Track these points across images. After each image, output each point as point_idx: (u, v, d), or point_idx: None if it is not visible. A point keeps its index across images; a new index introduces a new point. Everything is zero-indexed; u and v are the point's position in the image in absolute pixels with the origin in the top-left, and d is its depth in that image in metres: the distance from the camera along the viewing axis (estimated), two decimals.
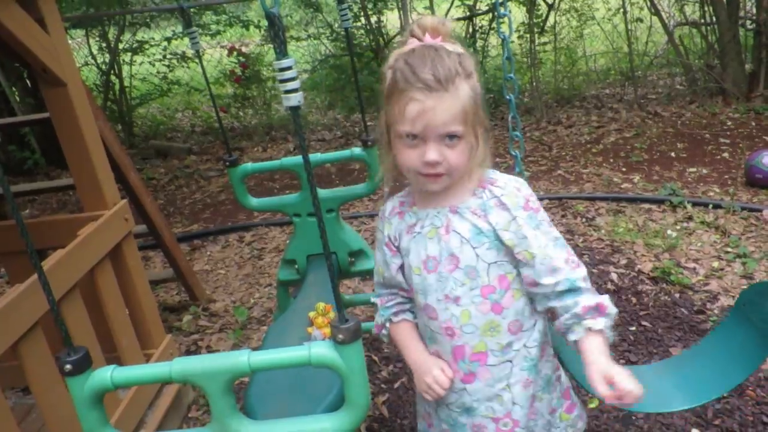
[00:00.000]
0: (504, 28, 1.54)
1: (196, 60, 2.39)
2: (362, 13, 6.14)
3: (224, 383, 1.04)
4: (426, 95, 1.15)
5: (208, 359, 1.05)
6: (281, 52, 0.88)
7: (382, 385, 2.59)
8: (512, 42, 6.23)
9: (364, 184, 2.46)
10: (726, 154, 4.79)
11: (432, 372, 1.30)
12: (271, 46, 6.98)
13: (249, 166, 2.38)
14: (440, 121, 1.16)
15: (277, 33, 0.84)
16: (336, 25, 6.41)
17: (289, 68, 0.90)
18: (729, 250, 3.29)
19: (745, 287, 2.92)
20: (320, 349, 1.03)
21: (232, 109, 7.13)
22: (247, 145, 6.74)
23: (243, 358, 1.03)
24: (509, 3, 6.36)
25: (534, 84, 6.44)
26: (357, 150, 2.40)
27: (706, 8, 6.34)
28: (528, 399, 1.32)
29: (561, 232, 3.73)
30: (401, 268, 1.35)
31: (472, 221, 1.25)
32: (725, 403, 2.24)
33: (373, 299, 1.46)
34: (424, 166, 1.19)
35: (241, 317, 3.21)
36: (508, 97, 1.45)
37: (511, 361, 1.30)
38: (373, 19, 6.15)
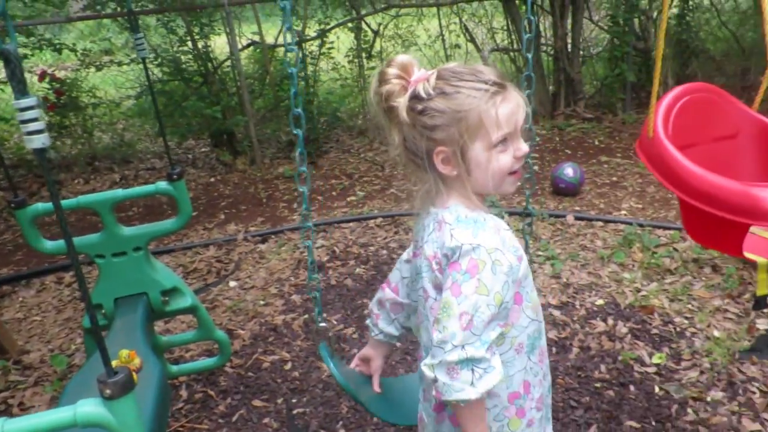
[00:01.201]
0: (291, 60, 1.51)
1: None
2: (189, 38, 5.97)
3: None
4: (506, 93, 1.19)
5: None
6: (20, 92, 0.82)
7: (220, 420, 2.51)
8: (342, 66, 6.42)
9: (174, 219, 2.38)
10: (536, 167, 5.30)
11: None
12: (92, 69, 6.58)
13: (39, 206, 2.17)
14: (521, 113, 1.21)
15: (13, 71, 0.79)
16: (159, 50, 6.15)
17: (30, 108, 0.84)
18: (540, 253, 3.63)
19: (554, 286, 3.25)
20: (87, 408, 0.96)
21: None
22: (67, 178, 6.22)
23: None
24: (337, 29, 6.60)
25: (365, 107, 6.67)
26: (162, 184, 2.30)
27: (512, 36, 7.02)
28: None
29: (394, 248, 3.91)
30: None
31: None
32: None
33: (476, 351, 1.13)
34: (517, 162, 1.23)
35: (60, 366, 2.93)
36: (296, 132, 1.47)
37: None
38: (201, 43, 6.00)
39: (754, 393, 2.35)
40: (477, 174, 1.23)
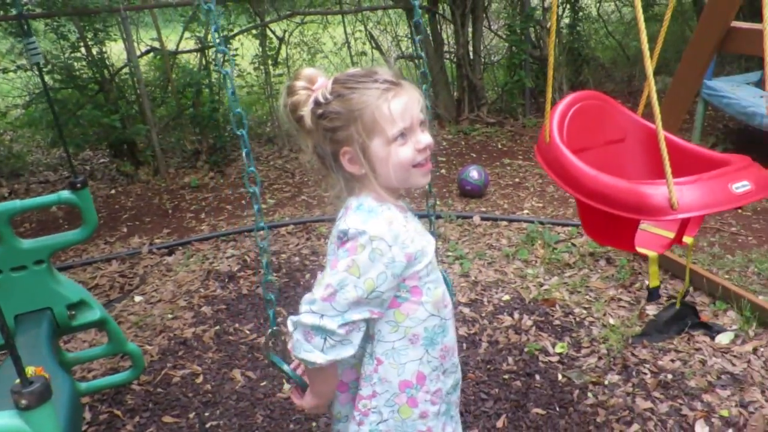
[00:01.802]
0: (226, 64, 1.48)
1: None
2: (82, 44, 5.67)
3: None
4: (399, 89, 1.26)
5: None
6: None
7: None
8: (249, 74, 6.31)
9: (78, 230, 2.27)
10: (443, 170, 5.44)
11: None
12: None
13: None
14: (417, 108, 1.27)
15: None
16: (49, 57, 5.80)
17: None
18: (449, 253, 3.74)
19: (463, 285, 3.35)
20: (1, 421, 0.91)
21: None
22: None
23: None
24: (241, 36, 6.49)
25: (273, 114, 6.61)
26: (65, 193, 2.19)
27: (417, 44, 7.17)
28: None
29: (306, 254, 3.90)
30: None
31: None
32: None
33: (332, 325, 1.21)
34: (420, 153, 1.27)
35: None
36: (239, 132, 1.43)
37: None
38: (95, 50, 5.72)
39: (646, 374, 2.53)
40: (381, 170, 1.28)
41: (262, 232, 1.51)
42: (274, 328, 1.52)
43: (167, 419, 2.50)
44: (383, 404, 1.35)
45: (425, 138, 1.29)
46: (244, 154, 1.39)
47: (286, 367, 1.45)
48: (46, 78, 5.76)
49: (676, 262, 3.21)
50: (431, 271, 1.33)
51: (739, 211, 4.07)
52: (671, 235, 2.13)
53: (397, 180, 1.30)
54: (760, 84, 5.37)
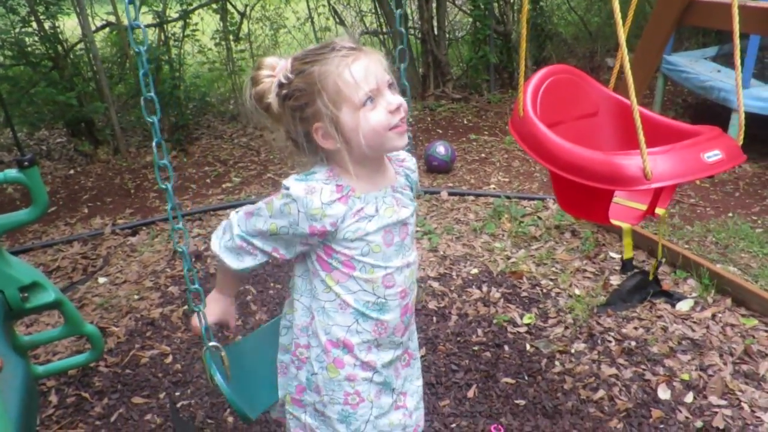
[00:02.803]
0: (139, 37, 1.31)
1: None
2: (32, 18, 5.45)
3: None
4: (359, 54, 1.25)
5: None
6: None
7: (97, 422, 2.37)
8: (210, 50, 6.14)
9: (28, 209, 2.19)
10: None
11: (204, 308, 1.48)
12: None
13: None
14: (381, 70, 1.26)
15: None
16: None
17: None
18: (418, 229, 3.76)
19: (432, 259, 3.37)
20: None
21: None
22: None
23: None
24: (200, 10, 6.32)
25: (236, 91, 6.48)
26: (12, 172, 2.10)
27: (381, 20, 7.11)
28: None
29: None
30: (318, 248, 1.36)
31: (406, 195, 1.43)
32: (423, 361, 2.56)
33: (236, 234, 1.36)
34: (393, 115, 1.25)
35: None
36: (150, 120, 1.36)
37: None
38: (47, 24, 5.50)
39: (610, 342, 2.60)
40: (354, 140, 1.27)
41: (180, 233, 1.48)
42: (211, 344, 1.51)
43: (137, 400, 2.47)
44: (314, 358, 1.42)
45: (395, 98, 1.27)
46: (154, 145, 1.33)
47: (218, 378, 1.49)
48: None
49: (644, 236, 3.28)
50: (368, 254, 1.35)
51: (698, 182, 4.19)
52: (644, 207, 2.18)
53: (371, 147, 1.29)
54: (717, 59, 5.49)
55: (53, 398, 2.49)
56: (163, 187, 1.35)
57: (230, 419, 2.33)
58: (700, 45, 7.14)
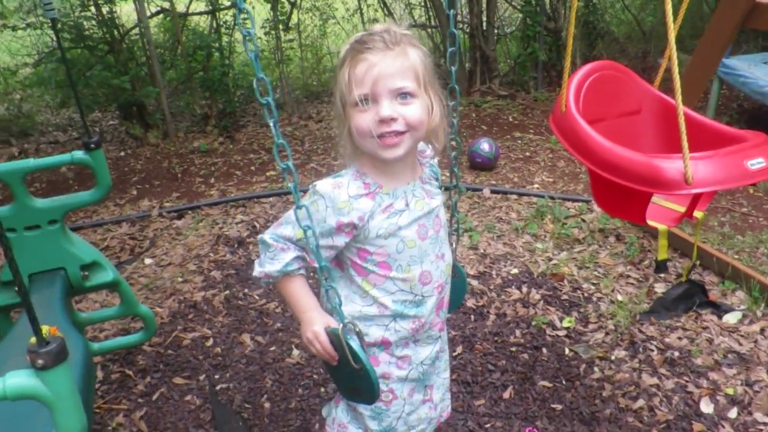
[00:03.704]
0: (248, 24, 1.34)
1: None
2: (91, 2, 5.60)
3: None
4: (372, 53, 1.20)
5: None
6: None
7: (139, 400, 2.44)
8: (259, 38, 6.23)
9: (92, 190, 2.27)
10: (453, 142, 5.40)
11: (314, 327, 1.33)
12: None
13: None
14: (389, 75, 1.19)
15: None
16: (59, 14, 5.74)
17: None
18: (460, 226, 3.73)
19: (472, 257, 3.36)
20: (17, 380, 0.91)
21: None
22: None
23: None
24: (252, 0, 6.40)
25: (283, 80, 6.55)
26: (78, 153, 2.18)
27: (430, 13, 7.07)
28: None
29: None
30: (356, 248, 1.35)
31: (434, 185, 1.43)
32: (460, 359, 2.56)
33: (268, 239, 1.35)
34: (379, 125, 1.21)
35: None
36: (263, 101, 1.30)
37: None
38: (105, 9, 5.65)
39: (652, 351, 2.55)
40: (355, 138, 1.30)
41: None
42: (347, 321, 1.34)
43: (178, 380, 2.54)
44: None
45: (385, 109, 1.21)
46: (271, 125, 1.19)
47: (363, 356, 1.30)
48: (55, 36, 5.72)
49: (685, 239, 3.20)
50: (404, 251, 1.34)
51: (751, 190, 4.05)
52: (682, 209, 2.12)
53: (361, 147, 1.29)
54: None
55: (99, 374, 2.58)
56: (282, 166, 1.23)
57: (267, 404, 2.38)
58: (760, 49, 6.88)
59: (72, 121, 6.67)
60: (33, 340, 1.66)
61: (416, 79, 1.24)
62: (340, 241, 1.31)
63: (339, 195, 1.27)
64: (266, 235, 1.37)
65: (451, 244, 1.61)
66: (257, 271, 1.38)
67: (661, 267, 2.17)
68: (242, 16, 1.17)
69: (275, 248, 1.34)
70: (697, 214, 2.11)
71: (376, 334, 1.40)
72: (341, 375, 1.38)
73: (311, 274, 1.48)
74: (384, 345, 1.41)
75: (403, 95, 1.23)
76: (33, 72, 6.65)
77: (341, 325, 1.30)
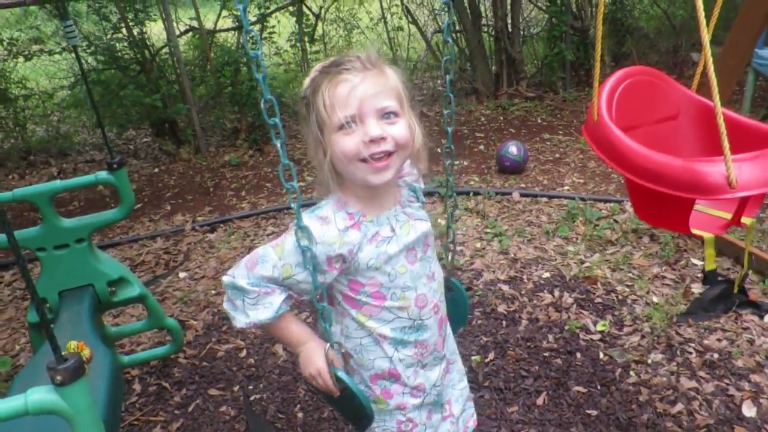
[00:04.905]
0: (249, 44, 1.34)
1: None
2: (123, 24, 5.76)
3: None
4: (353, 74, 1.16)
5: None
6: None
7: (176, 411, 2.48)
8: (285, 51, 6.29)
9: (116, 209, 2.35)
10: (482, 146, 5.39)
11: (318, 365, 1.30)
12: (20, 59, 6.27)
13: None
14: (374, 95, 1.15)
15: None
16: (92, 38, 5.91)
17: None
18: (488, 230, 3.72)
19: (502, 262, 3.33)
20: (38, 395, 0.95)
21: None
22: None
23: None
24: (277, 13, 6.49)
25: None
26: (102, 174, 2.26)
27: (455, 17, 7.06)
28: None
29: None
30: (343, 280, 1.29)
31: (415, 207, 1.37)
32: (492, 365, 2.53)
33: (245, 285, 1.23)
34: (367, 146, 1.16)
35: (4, 368, 2.83)
36: (271, 122, 1.26)
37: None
38: (136, 30, 5.80)
39: (690, 353, 2.49)
40: (335, 165, 1.22)
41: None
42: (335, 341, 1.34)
43: (213, 392, 2.57)
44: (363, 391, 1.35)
45: (374, 129, 1.15)
46: (278, 146, 1.14)
47: (349, 382, 1.31)
48: (91, 59, 5.90)
49: (724, 239, 3.11)
50: (396, 278, 1.29)
51: None
52: (728, 216, 2.06)
53: (346, 175, 1.22)
54: None
55: (137, 386, 2.64)
56: (287, 186, 1.19)
57: (300, 414, 2.39)
58: None
59: (108, 140, 6.86)
60: (85, 352, 1.71)
61: (398, 98, 1.21)
62: (330, 276, 1.27)
63: (329, 230, 1.22)
64: (239, 280, 1.24)
65: (447, 257, 1.59)
66: (242, 322, 1.26)
67: (709, 278, 2.09)
68: (248, 36, 1.14)
69: (256, 293, 1.24)
70: (746, 220, 2.04)
71: (382, 366, 1.35)
72: (338, 403, 1.37)
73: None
74: (393, 377, 1.37)
75: (387, 114, 1.18)
76: (69, 94, 6.87)
77: (328, 345, 1.29)
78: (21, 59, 6.27)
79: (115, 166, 2.24)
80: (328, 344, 1.30)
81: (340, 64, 1.19)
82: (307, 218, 1.23)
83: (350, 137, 1.16)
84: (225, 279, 1.28)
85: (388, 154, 1.19)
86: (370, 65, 1.19)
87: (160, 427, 2.40)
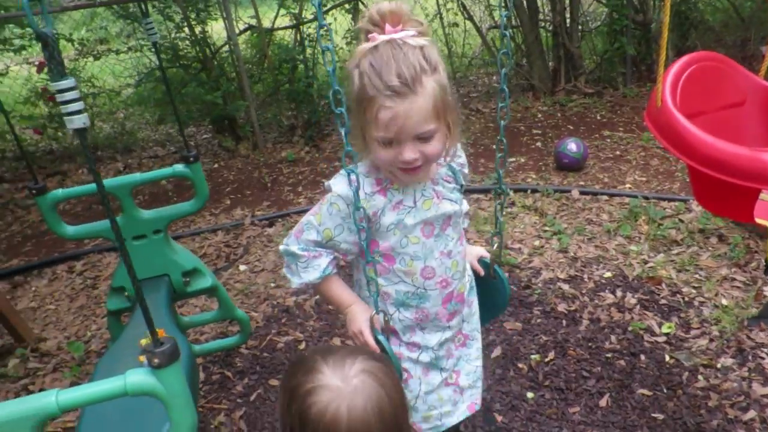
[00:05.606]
0: (324, 40, 1.38)
1: None
2: (185, 24, 5.93)
3: (32, 429, 0.95)
4: (396, 102, 1.22)
5: (10, 405, 0.95)
6: (59, 73, 0.85)
7: (238, 400, 2.55)
8: (341, 49, 6.35)
9: (191, 201, 2.41)
10: (539, 143, 5.30)
11: (360, 324, 1.46)
12: (90, 59, 6.54)
13: (59, 192, 2.20)
14: (413, 123, 1.25)
15: (52, 54, 0.82)
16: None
17: (69, 89, 0.86)
18: (547, 228, 3.66)
19: (562, 260, 3.27)
20: (136, 377, 0.99)
21: (49, 130, 6.53)
22: (70, 168, 6.22)
23: (50, 399, 0.95)
24: (334, 10, 6.55)
25: None
26: (179, 167, 2.32)
27: (512, 13, 6.96)
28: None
29: None
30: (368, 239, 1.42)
31: (449, 185, 1.47)
32: (552, 365, 2.50)
33: (296, 251, 1.44)
34: (401, 163, 1.30)
35: (77, 353, 2.97)
36: (338, 110, 1.34)
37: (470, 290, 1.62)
38: (197, 29, 5.96)
39: (763, 359, 2.39)
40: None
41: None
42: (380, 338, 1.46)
43: (273, 382, 2.63)
44: None
45: (408, 154, 1.27)
46: (342, 134, 1.27)
47: (386, 344, 1.45)
48: (154, 58, 6.10)
49: None
50: (407, 246, 1.42)
51: None
52: None
53: (381, 165, 1.37)
54: None
55: (201, 375, 2.71)
56: (347, 170, 1.32)
57: None
58: None
59: (169, 137, 7.07)
60: (143, 341, 1.78)
61: (436, 115, 1.28)
62: (362, 235, 1.40)
63: (354, 185, 1.33)
64: (292, 247, 1.45)
65: (493, 246, 1.67)
66: (296, 282, 1.47)
67: None
68: (322, 31, 1.22)
69: (306, 257, 1.44)
70: None
71: (382, 320, 1.49)
72: None
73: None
74: (392, 332, 1.51)
75: (422, 138, 1.28)
76: (134, 92, 7.12)
77: (374, 313, 1.45)
78: (90, 59, 6.52)
79: (191, 159, 2.31)
80: (374, 311, 1.45)
81: (386, 83, 1.22)
82: (337, 181, 1.38)
83: (387, 151, 1.29)
84: (281, 247, 1.48)
85: (417, 167, 1.32)
86: (414, 83, 1.22)
87: (224, 414, 2.47)
